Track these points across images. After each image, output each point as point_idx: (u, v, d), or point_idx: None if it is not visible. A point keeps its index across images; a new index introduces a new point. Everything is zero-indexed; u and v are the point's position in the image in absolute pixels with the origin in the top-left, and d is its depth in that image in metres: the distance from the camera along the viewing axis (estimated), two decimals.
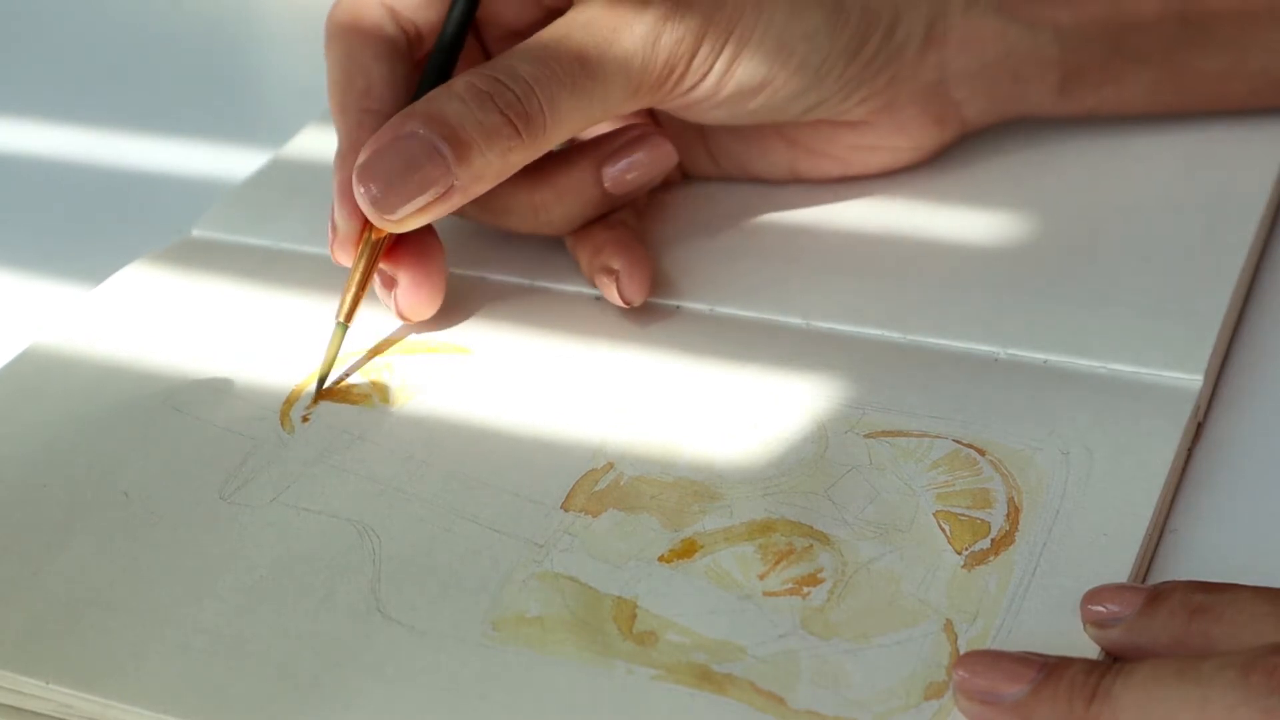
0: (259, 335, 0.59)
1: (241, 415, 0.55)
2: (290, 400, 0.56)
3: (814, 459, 0.52)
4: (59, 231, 0.68)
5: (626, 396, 0.55)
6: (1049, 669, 0.43)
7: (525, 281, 0.60)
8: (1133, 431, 0.52)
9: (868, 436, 0.53)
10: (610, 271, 0.57)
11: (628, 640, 0.47)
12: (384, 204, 0.54)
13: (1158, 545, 0.50)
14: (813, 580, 0.49)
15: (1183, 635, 0.44)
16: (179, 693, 0.47)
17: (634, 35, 0.55)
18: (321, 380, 0.56)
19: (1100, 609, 0.45)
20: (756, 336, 0.57)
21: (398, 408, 0.55)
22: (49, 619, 0.49)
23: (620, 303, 0.57)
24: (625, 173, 0.58)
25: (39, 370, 0.58)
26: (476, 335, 0.58)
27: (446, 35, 0.58)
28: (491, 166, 0.54)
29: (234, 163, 0.68)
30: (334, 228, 0.57)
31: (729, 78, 0.57)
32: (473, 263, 0.61)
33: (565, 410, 0.55)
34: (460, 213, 0.58)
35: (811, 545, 0.50)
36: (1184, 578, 0.49)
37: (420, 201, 0.54)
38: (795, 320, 0.58)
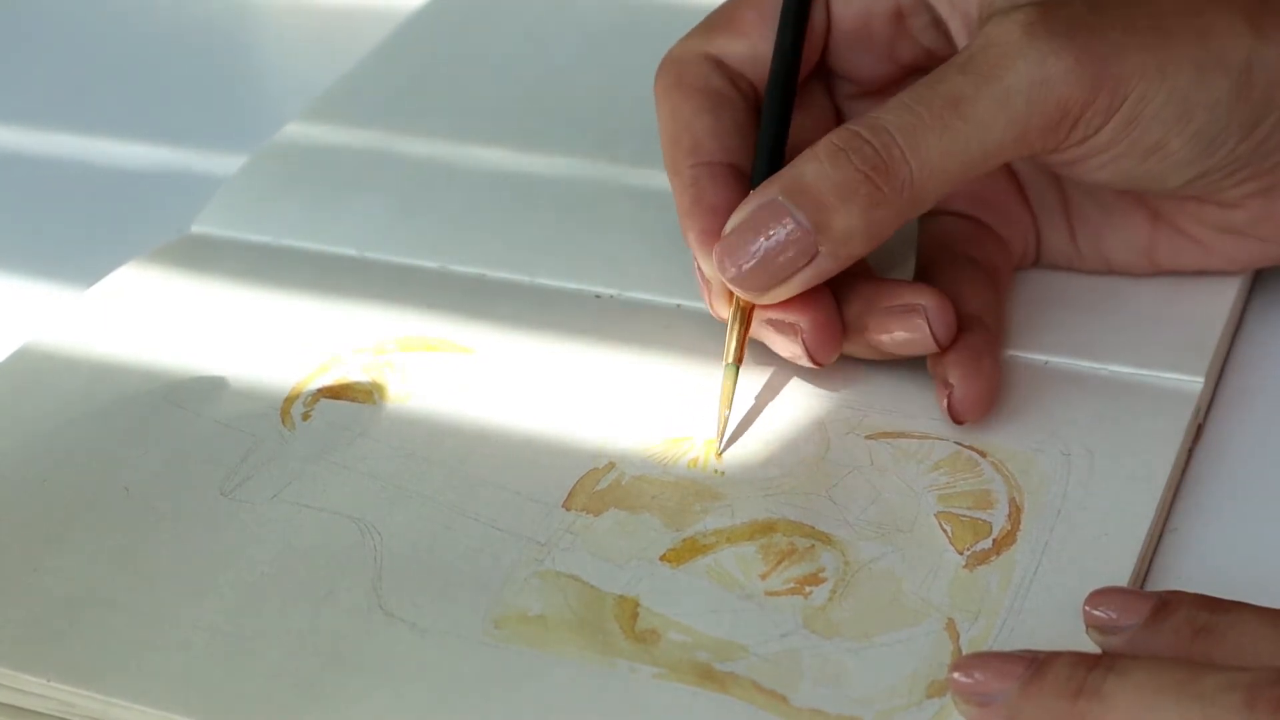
0: (259, 332, 0.59)
1: (242, 411, 0.55)
2: (291, 397, 0.56)
3: (815, 460, 0.52)
4: (56, 230, 0.68)
5: (627, 396, 0.55)
6: (1036, 664, 0.42)
7: (526, 279, 0.60)
8: (1134, 433, 0.52)
9: (869, 438, 0.53)
10: (946, 385, 0.52)
11: (629, 639, 0.47)
12: (749, 284, 0.51)
13: (1158, 544, 0.50)
14: (814, 579, 0.49)
15: (1185, 652, 0.43)
16: (180, 690, 0.47)
17: (1017, 73, 0.50)
18: (723, 424, 0.53)
19: (1103, 614, 0.45)
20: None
21: (399, 405, 0.55)
22: (49, 616, 0.49)
23: (948, 418, 0.53)
24: (881, 342, 0.53)
25: (37, 367, 0.58)
26: (477, 334, 0.58)
27: (777, 70, 0.55)
28: (856, 228, 0.50)
29: (232, 162, 0.67)
30: (704, 280, 0.54)
31: (1124, 135, 0.52)
32: (473, 261, 0.61)
33: (566, 409, 0.55)
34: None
35: (813, 545, 0.50)
36: (1185, 576, 0.49)
37: (785, 275, 0.51)
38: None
